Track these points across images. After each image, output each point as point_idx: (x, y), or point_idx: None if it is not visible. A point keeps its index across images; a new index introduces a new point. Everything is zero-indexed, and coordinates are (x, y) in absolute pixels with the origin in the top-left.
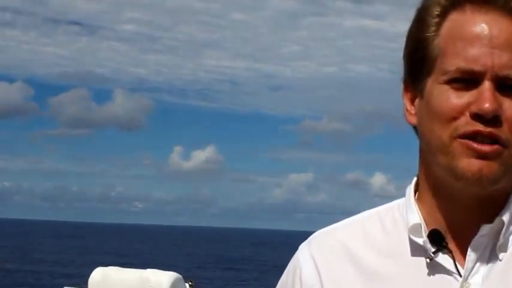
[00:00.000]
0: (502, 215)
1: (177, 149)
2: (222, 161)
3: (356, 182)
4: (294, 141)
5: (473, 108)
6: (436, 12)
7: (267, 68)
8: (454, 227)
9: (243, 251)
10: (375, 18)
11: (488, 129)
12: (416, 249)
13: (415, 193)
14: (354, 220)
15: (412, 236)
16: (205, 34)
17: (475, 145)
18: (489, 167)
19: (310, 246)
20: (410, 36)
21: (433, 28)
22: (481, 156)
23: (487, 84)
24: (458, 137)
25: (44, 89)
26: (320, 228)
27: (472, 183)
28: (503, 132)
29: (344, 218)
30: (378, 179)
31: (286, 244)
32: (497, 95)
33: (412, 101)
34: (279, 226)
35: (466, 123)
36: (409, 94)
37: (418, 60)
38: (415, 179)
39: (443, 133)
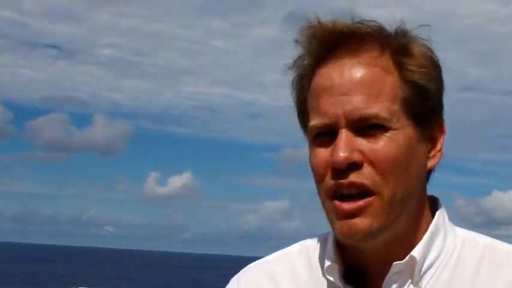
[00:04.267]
0: (413, 252)
1: (154, 174)
2: (198, 187)
3: None
4: (272, 169)
5: (330, 163)
6: (308, 67)
7: (245, 96)
8: (370, 266)
9: (207, 277)
10: None
11: (349, 179)
12: None
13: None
14: (285, 253)
15: (328, 276)
16: (184, 60)
17: (341, 205)
18: (357, 225)
19: (238, 281)
20: (294, 89)
21: (306, 82)
22: (348, 215)
23: (341, 134)
24: (330, 197)
25: (21, 112)
26: None
27: (350, 242)
28: (367, 177)
29: None
30: None
31: None
32: (358, 140)
33: None
34: (251, 253)
35: (330, 180)
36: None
37: (301, 118)
38: None
39: (321, 192)
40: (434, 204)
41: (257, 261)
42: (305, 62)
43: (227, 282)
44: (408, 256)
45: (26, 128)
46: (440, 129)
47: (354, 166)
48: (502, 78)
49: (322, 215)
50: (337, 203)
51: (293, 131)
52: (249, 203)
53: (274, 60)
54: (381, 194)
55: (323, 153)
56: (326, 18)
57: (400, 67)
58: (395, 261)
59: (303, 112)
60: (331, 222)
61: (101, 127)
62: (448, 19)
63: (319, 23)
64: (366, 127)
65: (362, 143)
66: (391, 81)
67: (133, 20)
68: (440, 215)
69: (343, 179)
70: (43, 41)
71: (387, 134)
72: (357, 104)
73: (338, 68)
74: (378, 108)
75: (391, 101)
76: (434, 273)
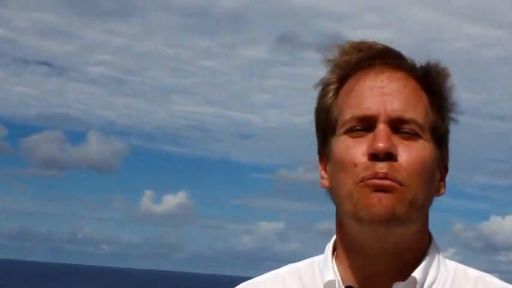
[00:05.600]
0: (414, 273)
1: (149, 193)
2: (193, 206)
3: (328, 231)
4: (266, 190)
5: (370, 150)
6: (334, 80)
7: (236, 116)
8: (369, 284)
9: None
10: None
11: (384, 170)
12: None
13: (334, 251)
14: (276, 275)
15: None
16: (174, 80)
17: (373, 181)
18: (388, 199)
19: None
20: (316, 110)
21: (332, 94)
22: (379, 189)
23: (381, 126)
24: (360, 182)
25: (15, 129)
26: None
27: (373, 215)
28: (399, 174)
29: None
30: None
31: None
32: (393, 136)
33: (325, 167)
34: (246, 273)
35: (365, 168)
36: (322, 163)
37: (324, 126)
38: (334, 237)
39: (347, 181)
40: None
41: (248, 281)
42: (336, 72)
43: None
44: (410, 277)
45: (20, 145)
46: (446, 168)
47: (390, 158)
48: (494, 103)
49: (317, 236)
50: (368, 181)
51: (286, 152)
52: (244, 223)
53: (265, 81)
54: (408, 188)
55: (357, 145)
56: (316, 39)
57: (429, 94)
58: (395, 281)
59: (328, 118)
60: (356, 204)
61: (95, 144)
62: (436, 43)
63: (349, 41)
64: (402, 129)
65: (398, 141)
66: (424, 100)
67: (123, 38)
68: (436, 243)
69: (379, 168)
70: (35, 58)
71: (420, 141)
72: (398, 106)
73: (379, 76)
74: (416, 116)
75: (424, 115)
76: None
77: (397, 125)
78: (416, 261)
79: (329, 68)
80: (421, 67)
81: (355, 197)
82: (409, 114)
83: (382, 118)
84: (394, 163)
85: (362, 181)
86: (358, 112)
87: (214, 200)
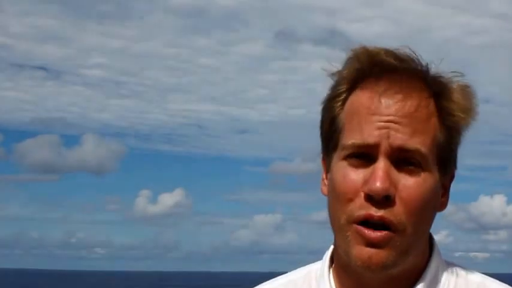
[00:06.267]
0: None
1: (144, 192)
2: (189, 204)
3: (325, 221)
4: (262, 183)
5: (366, 189)
6: (343, 89)
7: (233, 111)
8: None
9: None
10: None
11: (379, 214)
12: None
13: (332, 261)
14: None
15: None
16: (172, 79)
17: (366, 232)
18: (378, 255)
19: None
20: (323, 108)
21: (339, 104)
22: (371, 244)
23: (381, 162)
24: (353, 222)
25: (10, 134)
26: (285, 268)
27: (363, 270)
28: (395, 215)
29: (310, 258)
30: None
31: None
32: (394, 172)
33: (326, 175)
34: (243, 268)
35: (359, 207)
36: (325, 168)
37: (327, 135)
38: (331, 247)
39: (341, 217)
40: (430, 238)
41: (261, 286)
42: (347, 76)
43: None
44: None
45: (15, 150)
46: (452, 177)
47: (388, 200)
48: (481, 87)
49: (314, 226)
50: (362, 229)
51: (283, 144)
52: (241, 217)
53: (261, 76)
54: (403, 231)
55: (355, 176)
56: (312, 34)
57: (440, 112)
58: None
59: (332, 130)
60: (347, 247)
61: (91, 147)
62: (426, 33)
63: (365, 47)
64: (404, 160)
65: (398, 177)
66: (434, 123)
67: (119, 40)
68: (438, 253)
69: (374, 211)
70: (31, 62)
71: (422, 175)
72: (403, 134)
73: (387, 94)
74: (421, 145)
75: (431, 141)
76: None
77: (399, 155)
78: (416, 274)
79: (339, 74)
80: (439, 83)
81: (348, 239)
82: (413, 144)
83: (383, 149)
84: (391, 208)
85: (355, 221)
86: (358, 140)
87: (211, 196)
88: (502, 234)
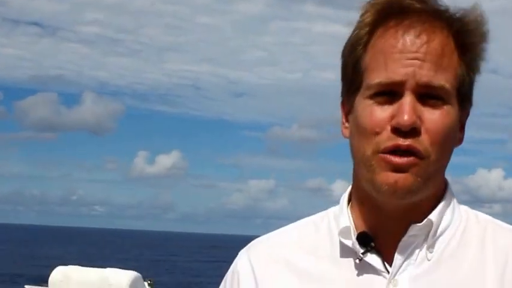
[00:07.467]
0: (431, 216)
1: (142, 153)
2: (185, 166)
3: (318, 189)
4: (259, 148)
5: (393, 122)
6: (364, 31)
7: (230, 74)
8: (384, 231)
9: (198, 255)
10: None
11: (407, 142)
12: (346, 251)
13: (349, 201)
14: (291, 227)
15: (341, 238)
16: (169, 37)
17: (392, 158)
18: (404, 180)
19: (248, 252)
20: (343, 54)
21: (361, 46)
22: (397, 169)
23: (407, 97)
24: (380, 152)
25: (9, 92)
26: None
27: (388, 195)
28: (421, 144)
29: None
30: (339, 186)
31: (238, 249)
32: (419, 106)
33: (347, 116)
34: (236, 231)
35: (387, 139)
36: (345, 109)
37: (350, 77)
38: (349, 187)
39: (367, 148)
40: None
41: (267, 235)
42: (367, 20)
43: (217, 260)
44: (426, 219)
45: (14, 108)
46: (467, 114)
47: (414, 131)
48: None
49: (306, 193)
50: (388, 156)
51: (280, 110)
52: (235, 182)
53: (260, 37)
54: (428, 159)
55: (381, 112)
56: None
57: (460, 48)
58: (411, 223)
59: (354, 72)
60: (372, 175)
61: (90, 106)
62: None
63: None
64: (428, 95)
65: (423, 110)
66: (455, 60)
67: None
68: (451, 189)
69: (402, 141)
70: (25, 18)
71: (445, 107)
72: (428, 71)
73: (411, 32)
74: (445, 81)
75: (454, 77)
76: (444, 241)
77: (424, 92)
78: (432, 205)
79: (359, 16)
80: (458, 19)
81: (373, 167)
82: (438, 81)
83: (409, 85)
84: (418, 137)
85: (383, 152)
86: (384, 78)
87: (207, 159)
88: (497, 208)
